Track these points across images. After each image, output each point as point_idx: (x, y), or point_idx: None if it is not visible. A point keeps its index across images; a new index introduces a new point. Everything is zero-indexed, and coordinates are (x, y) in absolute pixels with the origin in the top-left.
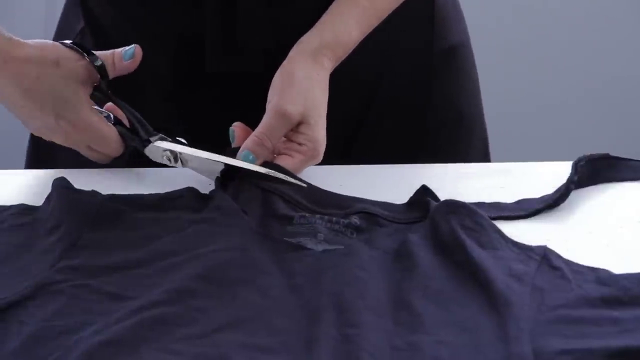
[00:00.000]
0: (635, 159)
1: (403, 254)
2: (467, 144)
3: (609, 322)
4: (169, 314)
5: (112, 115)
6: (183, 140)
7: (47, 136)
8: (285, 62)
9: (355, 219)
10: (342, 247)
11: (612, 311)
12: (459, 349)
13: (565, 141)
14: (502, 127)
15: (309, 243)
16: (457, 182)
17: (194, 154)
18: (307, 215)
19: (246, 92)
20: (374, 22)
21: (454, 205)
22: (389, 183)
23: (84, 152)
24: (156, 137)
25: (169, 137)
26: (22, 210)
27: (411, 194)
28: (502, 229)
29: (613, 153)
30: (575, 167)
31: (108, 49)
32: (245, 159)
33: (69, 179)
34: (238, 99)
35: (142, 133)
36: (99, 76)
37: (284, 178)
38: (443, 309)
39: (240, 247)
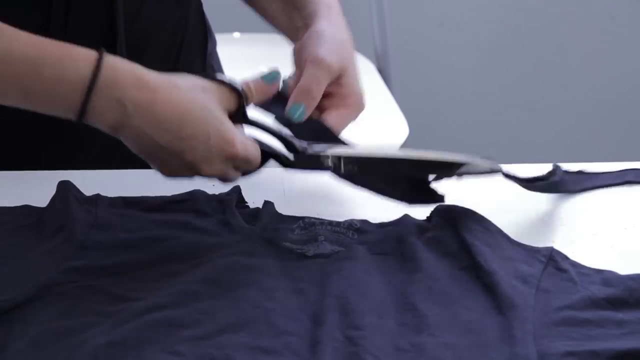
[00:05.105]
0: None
1: (407, 256)
2: None
3: (614, 324)
4: (173, 316)
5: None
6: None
7: (187, 172)
8: (310, 27)
9: (355, 222)
10: (345, 249)
11: (617, 313)
12: (464, 351)
13: (568, 144)
14: (504, 129)
15: (310, 250)
16: (460, 184)
17: (363, 155)
18: (307, 220)
19: None
20: None
21: (459, 211)
22: None
23: (225, 174)
24: (309, 146)
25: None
26: (27, 211)
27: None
28: (507, 229)
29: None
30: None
31: None
32: (295, 111)
33: (73, 180)
34: None
35: (294, 144)
36: (237, 104)
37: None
38: (447, 311)
39: (246, 252)
